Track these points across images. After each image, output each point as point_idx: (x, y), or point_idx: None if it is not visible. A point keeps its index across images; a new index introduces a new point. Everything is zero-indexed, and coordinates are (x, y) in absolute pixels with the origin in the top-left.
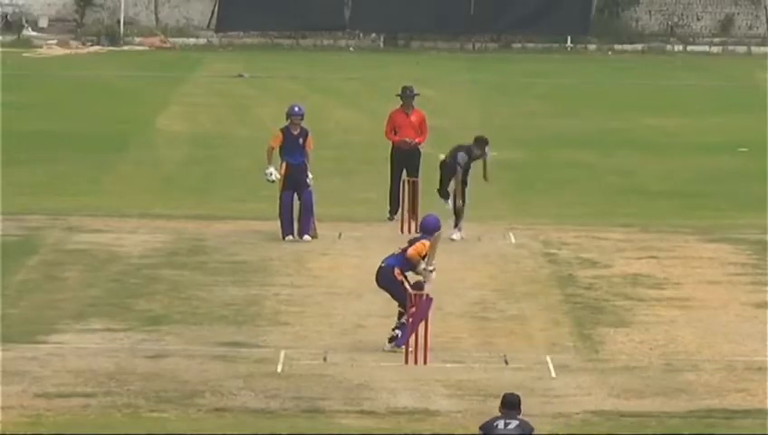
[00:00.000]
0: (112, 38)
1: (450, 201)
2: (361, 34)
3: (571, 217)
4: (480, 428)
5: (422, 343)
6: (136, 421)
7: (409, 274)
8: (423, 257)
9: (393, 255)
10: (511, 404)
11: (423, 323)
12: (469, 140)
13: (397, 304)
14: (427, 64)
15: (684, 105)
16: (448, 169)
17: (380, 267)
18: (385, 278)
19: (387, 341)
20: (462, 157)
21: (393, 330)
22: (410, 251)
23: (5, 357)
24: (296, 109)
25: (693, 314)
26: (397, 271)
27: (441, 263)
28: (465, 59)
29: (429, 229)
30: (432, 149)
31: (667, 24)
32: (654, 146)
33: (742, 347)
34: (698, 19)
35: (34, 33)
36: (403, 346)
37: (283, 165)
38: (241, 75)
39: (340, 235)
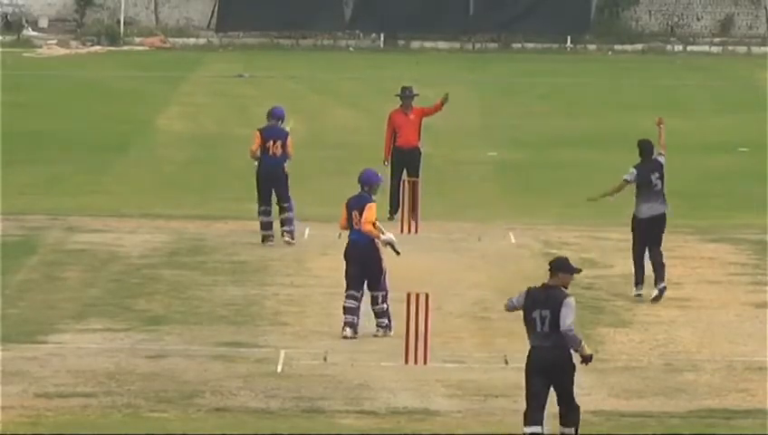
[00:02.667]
0: (112, 38)
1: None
2: (361, 34)
3: (572, 217)
4: (526, 296)
5: (422, 343)
6: (136, 421)
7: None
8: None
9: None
10: (558, 268)
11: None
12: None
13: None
14: (427, 64)
15: (684, 105)
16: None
17: (355, 241)
18: (365, 254)
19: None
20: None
21: (379, 320)
22: (364, 224)
23: (5, 357)
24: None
25: (693, 313)
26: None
27: (441, 263)
28: (465, 59)
29: (372, 181)
30: (432, 149)
31: (667, 23)
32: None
33: (742, 347)
34: (698, 19)
35: (34, 33)
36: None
37: None
38: (241, 75)
39: (339, 235)
